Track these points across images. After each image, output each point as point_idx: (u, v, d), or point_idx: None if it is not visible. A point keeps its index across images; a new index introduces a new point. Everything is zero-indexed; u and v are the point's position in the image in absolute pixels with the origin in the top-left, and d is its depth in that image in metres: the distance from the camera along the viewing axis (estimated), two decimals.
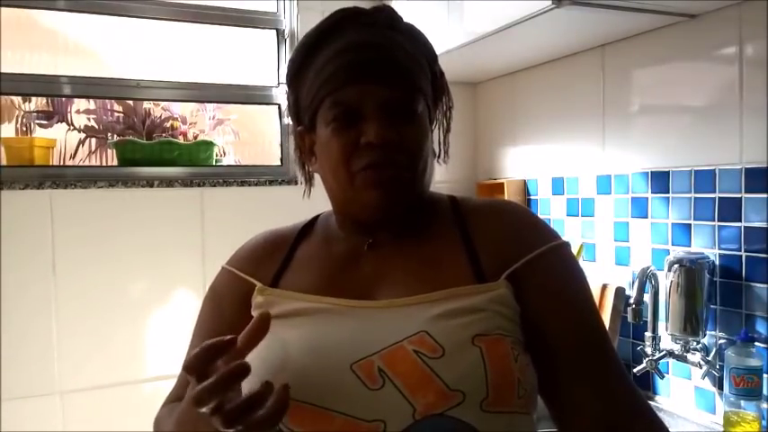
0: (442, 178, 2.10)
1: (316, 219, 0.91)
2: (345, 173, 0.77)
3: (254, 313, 0.81)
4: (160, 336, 1.77)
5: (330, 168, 0.79)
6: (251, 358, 0.77)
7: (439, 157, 0.88)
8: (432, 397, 0.67)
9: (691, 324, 1.39)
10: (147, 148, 1.85)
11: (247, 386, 0.74)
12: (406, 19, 0.83)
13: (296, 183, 1.97)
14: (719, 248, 1.38)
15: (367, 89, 0.75)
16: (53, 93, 1.83)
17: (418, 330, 0.71)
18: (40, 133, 1.87)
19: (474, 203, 0.86)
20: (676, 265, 1.40)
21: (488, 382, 0.68)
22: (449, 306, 0.73)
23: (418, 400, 0.67)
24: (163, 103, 2.00)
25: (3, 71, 1.68)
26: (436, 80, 0.84)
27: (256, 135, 2.19)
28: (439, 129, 0.88)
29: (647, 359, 1.47)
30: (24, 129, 1.88)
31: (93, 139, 1.95)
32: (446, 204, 0.86)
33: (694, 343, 1.40)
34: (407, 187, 0.78)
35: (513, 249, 0.78)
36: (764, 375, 1.28)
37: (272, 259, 0.85)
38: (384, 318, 0.74)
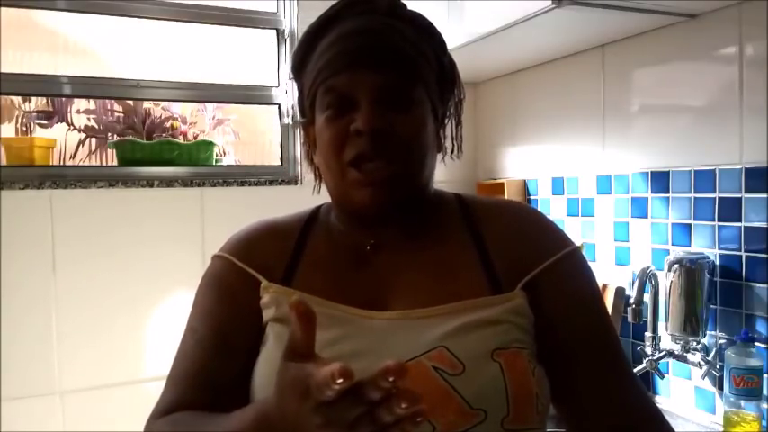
0: (443, 178, 2.08)
1: (317, 212, 0.86)
2: (336, 163, 0.74)
3: (263, 312, 0.77)
4: (160, 336, 1.77)
5: (323, 159, 0.77)
6: (262, 368, 0.73)
7: (452, 152, 0.85)
8: (452, 416, 0.65)
9: (691, 324, 1.39)
10: (147, 148, 1.85)
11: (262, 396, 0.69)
12: None
13: (296, 183, 1.97)
14: (719, 248, 1.38)
15: (360, 75, 0.72)
16: (53, 93, 1.83)
17: (437, 345, 0.69)
18: (40, 133, 1.87)
19: (484, 203, 0.84)
20: (676, 265, 1.40)
21: (509, 399, 0.67)
22: (466, 319, 0.71)
23: (438, 420, 0.65)
24: (163, 103, 1.99)
25: (3, 71, 1.68)
26: (445, 70, 0.81)
27: (256, 135, 2.19)
28: (451, 122, 0.84)
29: (647, 359, 1.47)
30: (24, 129, 1.88)
31: (93, 139, 1.95)
32: (454, 204, 0.83)
33: (694, 343, 1.40)
34: (401, 183, 0.74)
35: (529, 255, 0.76)
36: (764, 375, 1.27)
37: (278, 255, 0.80)
38: (399, 330, 0.71)
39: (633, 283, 1.55)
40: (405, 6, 0.79)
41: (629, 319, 1.45)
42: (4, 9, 1.70)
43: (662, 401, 1.53)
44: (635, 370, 1.48)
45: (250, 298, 0.78)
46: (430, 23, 0.81)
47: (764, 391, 1.28)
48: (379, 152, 0.72)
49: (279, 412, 0.56)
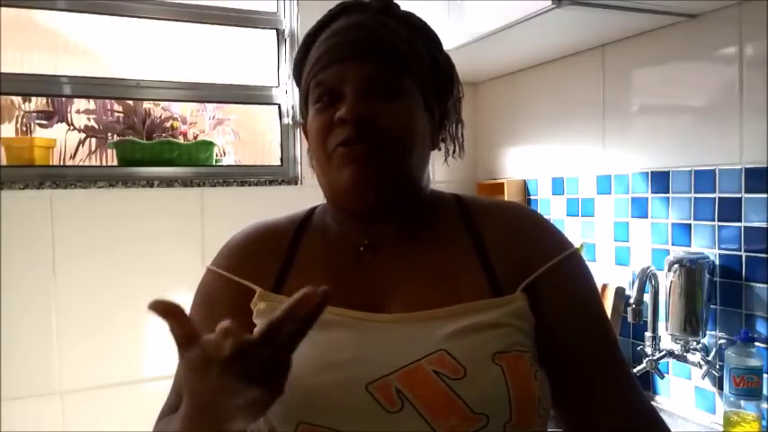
0: (442, 178, 2.09)
1: (312, 212, 0.85)
2: (323, 153, 0.74)
3: (258, 321, 0.75)
4: (160, 336, 1.77)
5: (312, 151, 0.77)
6: None
7: (454, 152, 0.84)
8: (454, 420, 0.64)
9: (691, 324, 1.39)
10: (147, 148, 1.85)
11: None
12: None
13: (296, 183, 1.97)
14: (719, 248, 1.38)
15: (348, 68, 0.73)
16: (53, 93, 1.83)
17: (437, 349, 0.68)
18: (40, 133, 1.87)
19: (483, 204, 0.83)
20: (676, 265, 1.40)
21: (511, 403, 0.66)
22: (466, 322, 0.70)
23: (440, 424, 0.64)
24: (163, 103, 2.00)
25: (3, 71, 1.68)
26: (440, 68, 0.80)
27: (256, 135, 2.19)
28: (451, 122, 0.84)
29: (647, 359, 1.47)
30: (24, 129, 1.88)
31: (93, 139, 1.95)
32: (452, 204, 0.82)
33: (694, 343, 1.40)
34: (385, 168, 0.73)
35: (530, 257, 0.75)
36: (764, 375, 1.28)
37: (271, 259, 0.79)
38: (398, 333, 0.70)
39: (633, 283, 1.55)
40: (398, 6, 0.80)
41: (629, 319, 1.45)
42: (4, 9, 1.70)
43: (662, 401, 1.53)
44: (635, 370, 1.48)
45: (244, 310, 0.77)
46: (424, 23, 0.81)
47: (764, 391, 1.28)
48: (362, 137, 0.72)
49: (194, 407, 0.59)
